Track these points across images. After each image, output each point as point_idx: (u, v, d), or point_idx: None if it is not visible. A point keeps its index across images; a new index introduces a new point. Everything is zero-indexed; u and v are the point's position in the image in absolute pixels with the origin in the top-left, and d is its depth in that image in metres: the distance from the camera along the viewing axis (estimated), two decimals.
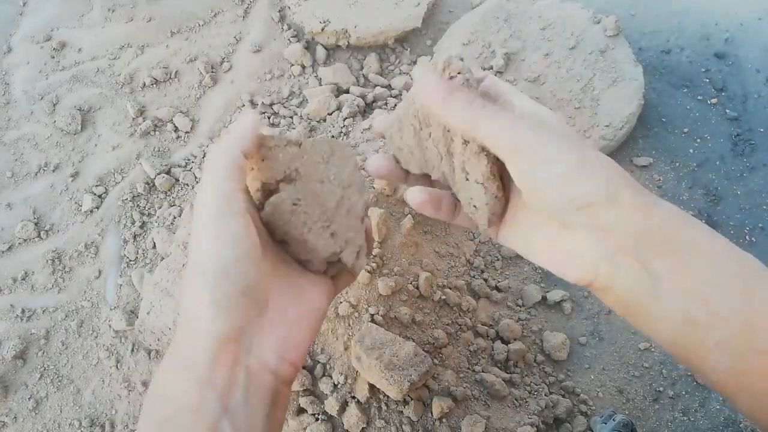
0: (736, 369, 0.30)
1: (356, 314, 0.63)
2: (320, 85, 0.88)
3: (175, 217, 0.74)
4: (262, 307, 0.33)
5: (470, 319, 0.70)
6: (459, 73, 0.35)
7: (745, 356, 0.29)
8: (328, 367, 0.63)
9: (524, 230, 0.36)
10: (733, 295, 0.30)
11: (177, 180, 0.78)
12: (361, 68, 0.91)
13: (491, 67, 0.85)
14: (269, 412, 0.32)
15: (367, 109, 0.86)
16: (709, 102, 0.93)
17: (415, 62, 0.92)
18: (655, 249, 0.31)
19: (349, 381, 0.62)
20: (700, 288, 0.30)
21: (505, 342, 0.71)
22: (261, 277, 0.32)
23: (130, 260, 0.73)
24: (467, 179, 0.35)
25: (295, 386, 0.60)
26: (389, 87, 0.89)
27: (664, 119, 0.91)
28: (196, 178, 0.78)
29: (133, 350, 0.67)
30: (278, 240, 0.35)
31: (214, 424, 0.30)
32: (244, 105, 0.86)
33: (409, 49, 0.93)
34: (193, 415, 0.30)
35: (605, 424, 0.65)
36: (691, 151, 0.89)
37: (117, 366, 0.67)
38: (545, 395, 0.68)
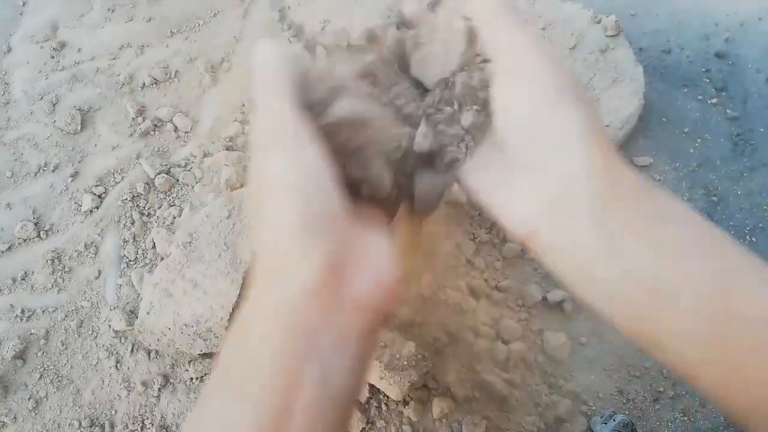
0: (706, 338, 0.26)
1: None
2: None
3: (175, 217, 0.74)
4: (358, 233, 0.28)
5: (470, 319, 0.70)
6: None
7: (718, 322, 0.26)
8: None
9: (483, 173, 0.33)
10: (704, 257, 0.27)
11: (177, 180, 0.78)
12: None
13: None
14: (358, 353, 0.27)
15: None
16: (709, 102, 0.93)
17: None
18: (618, 204, 0.28)
19: None
20: (665, 252, 0.27)
21: (506, 342, 0.71)
22: (344, 204, 0.28)
23: (130, 260, 0.73)
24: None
25: None
26: None
27: (664, 119, 0.91)
28: (196, 178, 0.78)
29: (132, 350, 0.67)
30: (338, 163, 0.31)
31: (301, 366, 0.25)
32: (244, 105, 0.86)
33: None
34: (277, 358, 0.25)
35: (605, 424, 0.65)
36: (692, 150, 0.89)
37: (117, 366, 0.67)
38: (545, 395, 0.68)
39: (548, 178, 0.29)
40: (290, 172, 0.27)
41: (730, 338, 0.26)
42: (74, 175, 0.80)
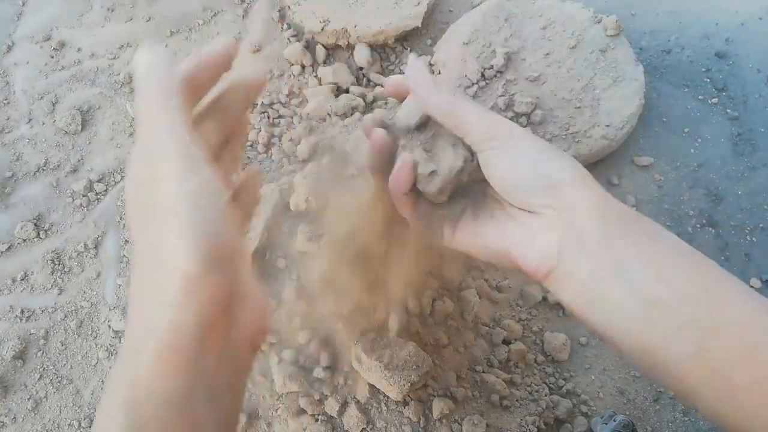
0: (700, 353, 0.29)
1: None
2: (320, 84, 0.88)
3: None
4: (240, 268, 0.26)
5: (470, 319, 0.70)
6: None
7: (710, 337, 0.29)
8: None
9: (481, 227, 0.37)
10: (695, 277, 0.30)
11: None
12: (361, 68, 0.91)
13: (491, 67, 0.84)
14: (242, 389, 0.28)
15: (366, 108, 0.85)
16: (709, 102, 0.93)
17: None
18: (618, 231, 0.32)
19: (349, 381, 0.61)
20: (662, 270, 0.30)
21: (506, 342, 0.71)
22: (236, 232, 0.26)
23: (130, 260, 0.73)
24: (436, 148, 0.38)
25: (294, 387, 0.60)
26: None
27: (664, 119, 0.91)
28: None
29: None
30: None
31: (202, 417, 0.24)
32: None
33: (409, 49, 0.93)
34: (175, 410, 0.24)
35: (606, 424, 0.65)
36: (692, 150, 0.88)
37: None
38: (546, 396, 0.68)
39: (553, 220, 0.33)
40: (182, 199, 0.24)
41: (715, 346, 0.28)
42: (74, 174, 0.80)
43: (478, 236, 0.37)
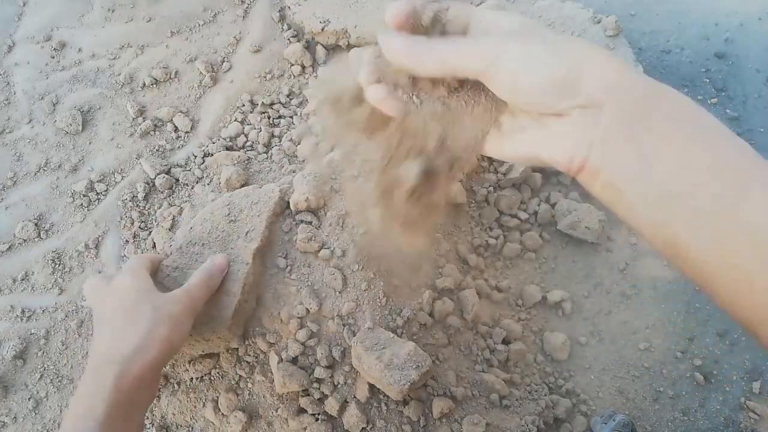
0: (718, 243, 0.29)
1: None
2: None
3: (174, 217, 0.74)
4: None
5: (470, 319, 0.70)
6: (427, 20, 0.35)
7: (728, 228, 0.29)
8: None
9: (507, 139, 0.37)
10: (718, 169, 0.30)
11: (177, 180, 0.78)
12: None
13: None
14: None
15: None
16: (709, 102, 0.93)
17: None
18: (642, 121, 0.31)
19: (349, 381, 0.61)
20: (685, 161, 0.30)
21: (506, 342, 0.71)
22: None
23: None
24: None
25: (295, 386, 0.60)
26: None
27: None
28: (196, 177, 0.78)
29: None
30: None
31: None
32: (243, 105, 0.86)
33: None
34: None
35: (605, 424, 0.65)
36: None
37: None
38: (545, 395, 0.68)
39: (577, 119, 0.32)
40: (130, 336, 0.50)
41: (738, 243, 0.29)
42: (74, 174, 0.80)
43: (505, 147, 0.37)
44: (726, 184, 0.29)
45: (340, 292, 0.64)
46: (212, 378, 0.64)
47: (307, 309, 0.62)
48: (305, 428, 0.60)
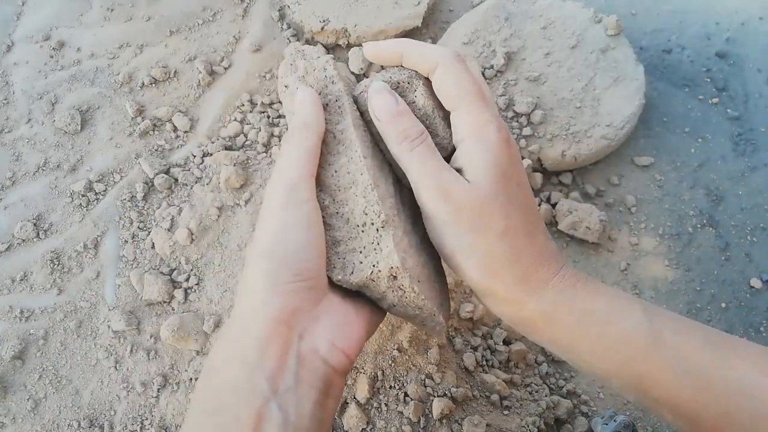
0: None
1: None
2: None
3: (174, 217, 0.74)
4: (320, 296, 0.33)
5: (470, 319, 0.70)
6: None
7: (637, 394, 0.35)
8: None
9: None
10: (624, 333, 0.35)
11: (176, 180, 0.78)
12: (361, 68, 0.91)
13: (492, 66, 0.84)
14: (319, 399, 0.32)
15: None
16: (710, 102, 0.93)
17: None
18: (544, 332, 0.37)
19: (349, 381, 0.61)
20: (594, 321, 0.36)
21: (506, 342, 0.71)
22: (321, 266, 0.33)
23: (129, 260, 0.73)
24: None
25: None
26: None
27: (665, 119, 0.91)
28: (195, 177, 0.78)
29: (132, 351, 0.67)
30: None
31: (263, 405, 0.29)
32: (243, 104, 0.86)
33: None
34: (241, 396, 0.30)
35: (606, 425, 0.65)
36: (693, 150, 0.88)
37: (116, 367, 0.66)
38: (546, 396, 0.68)
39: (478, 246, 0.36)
40: (274, 233, 0.32)
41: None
42: (73, 174, 0.80)
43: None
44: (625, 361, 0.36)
45: None
46: None
47: None
48: None
